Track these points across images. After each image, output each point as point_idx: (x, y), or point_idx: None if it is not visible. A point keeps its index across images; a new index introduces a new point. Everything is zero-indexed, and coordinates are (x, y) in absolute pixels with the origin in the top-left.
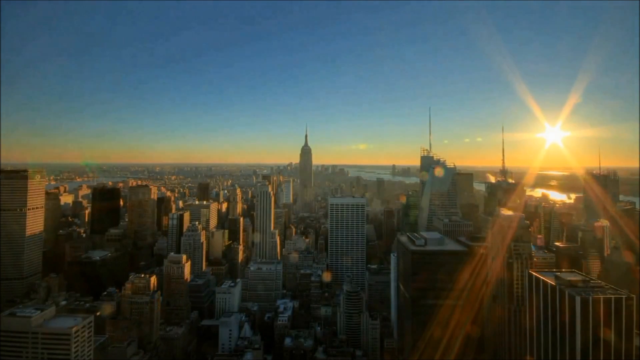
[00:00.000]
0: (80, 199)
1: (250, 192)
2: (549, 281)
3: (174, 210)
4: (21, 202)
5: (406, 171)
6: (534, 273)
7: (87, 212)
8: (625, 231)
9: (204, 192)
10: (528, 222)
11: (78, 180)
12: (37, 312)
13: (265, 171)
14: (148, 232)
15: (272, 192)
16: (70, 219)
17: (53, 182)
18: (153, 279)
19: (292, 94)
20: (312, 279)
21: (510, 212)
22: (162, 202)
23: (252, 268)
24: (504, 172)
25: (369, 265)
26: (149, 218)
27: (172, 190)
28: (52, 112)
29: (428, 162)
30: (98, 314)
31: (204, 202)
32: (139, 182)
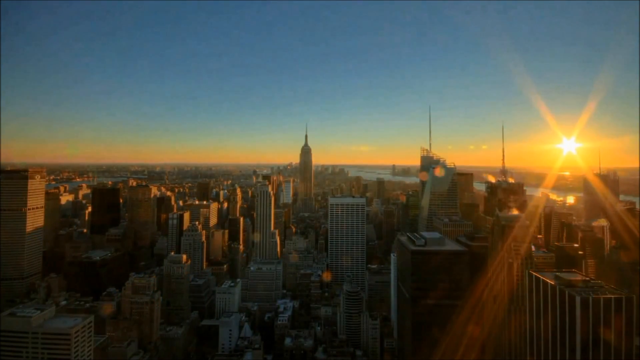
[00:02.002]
0: (80, 199)
1: (250, 192)
2: (549, 281)
3: (174, 211)
4: (21, 202)
5: (406, 171)
6: (534, 273)
7: (87, 212)
8: (626, 231)
9: (204, 192)
10: (528, 222)
11: (78, 180)
12: (37, 312)
13: (265, 171)
14: (148, 232)
15: (272, 192)
16: (70, 219)
17: (53, 182)
18: (153, 279)
19: (292, 94)
20: (312, 279)
21: (512, 212)
22: (162, 202)
23: (252, 268)
24: (504, 172)
25: (369, 265)
26: (149, 218)
27: (172, 190)
28: (52, 112)
29: (428, 162)
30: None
31: (204, 202)
32: (139, 182)
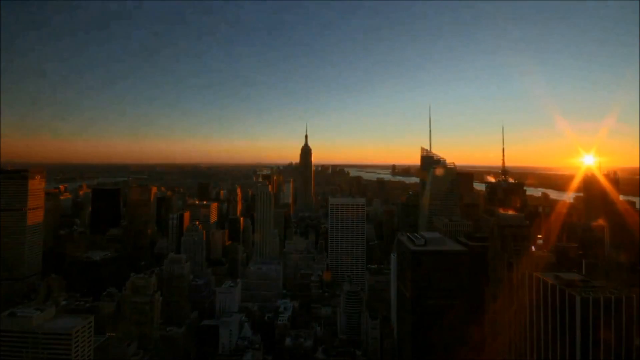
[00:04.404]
0: (80, 199)
1: (250, 192)
2: (549, 281)
3: (174, 211)
4: (21, 202)
5: (406, 171)
6: (534, 273)
7: (87, 212)
8: (626, 231)
9: (204, 192)
10: (528, 222)
11: (78, 180)
12: (37, 312)
13: (265, 171)
14: (148, 232)
15: (272, 192)
16: (70, 219)
17: (53, 182)
18: (153, 279)
19: (292, 94)
20: (312, 279)
21: (510, 212)
22: (162, 202)
23: (252, 268)
24: (504, 172)
25: (369, 265)
26: (149, 218)
27: (172, 190)
28: (52, 112)
29: (428, 162)
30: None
31: (204, 202)
32: (139, 182)
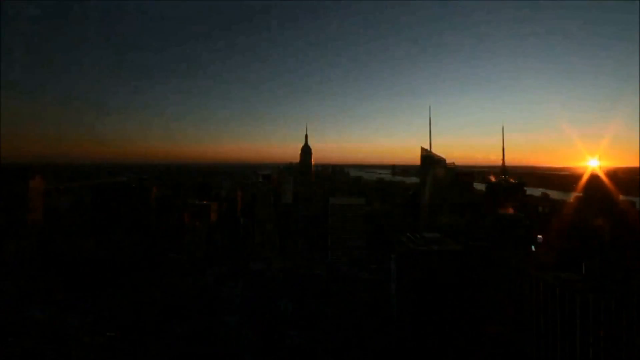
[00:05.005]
0: (80, 199)
1: (250, 192)
2: (549, 281)
3: (174, 210)
4: (21, 202)
5: (406, 171)
6: (534, 273)
7: (87, 212)
8: (626, 231)
9: (204, 192)
10: (528, 222)
11: (78, 180)
12: (37, 312)
13: (265, 171)
14: (148, 232)
15: (272, 192)
16: (70, 219)
17: (53, 182)
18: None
19: (292, 94)
20: (312, 279)
21: (510, 212)
22: (162, 202)
23: (252, 268)
24: (504, 171)
25: (369, 265)
26: (149, 218)
27: (172, 190)
28: (52, 111)
29: (428, 162)
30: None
31: (204, 202)
32: (139, 182)
